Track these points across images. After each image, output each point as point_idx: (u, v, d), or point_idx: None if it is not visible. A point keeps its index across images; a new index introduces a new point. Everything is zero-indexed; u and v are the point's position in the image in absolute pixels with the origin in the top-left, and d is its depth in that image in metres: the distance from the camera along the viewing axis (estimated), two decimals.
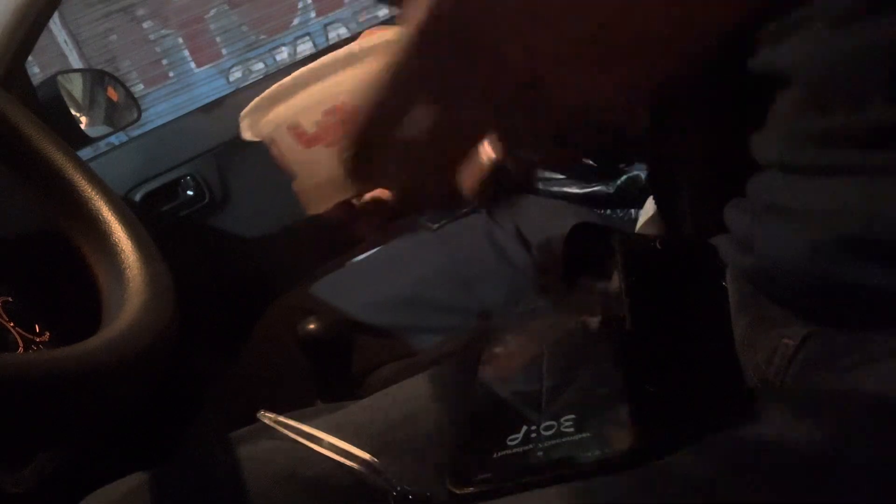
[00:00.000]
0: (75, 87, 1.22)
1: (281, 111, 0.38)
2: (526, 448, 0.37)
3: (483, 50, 0.26)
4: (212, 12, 4.26)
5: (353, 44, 0.35)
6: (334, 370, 0.98)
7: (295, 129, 0.38)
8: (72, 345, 0.37)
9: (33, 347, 0.54)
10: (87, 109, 1.23)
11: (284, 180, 0.43)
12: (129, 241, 0.50)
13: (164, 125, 1.48)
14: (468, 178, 0.33)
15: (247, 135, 0.41)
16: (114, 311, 0.45)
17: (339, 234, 0.38)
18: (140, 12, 4.24)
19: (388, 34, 0.34)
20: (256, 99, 0.39)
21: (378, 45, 0.34)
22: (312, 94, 0.37)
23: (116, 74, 1.73)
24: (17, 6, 0.96)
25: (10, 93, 0.82)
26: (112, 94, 1.28)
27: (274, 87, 0.38)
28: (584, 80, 0.27)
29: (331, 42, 4.17)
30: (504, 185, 0.40)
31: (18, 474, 0.60)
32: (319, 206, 0.41)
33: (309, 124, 0.37)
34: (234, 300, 1.32)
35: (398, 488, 0.43)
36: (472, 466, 0.38)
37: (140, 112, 1.31)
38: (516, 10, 0.25)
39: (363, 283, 1.06)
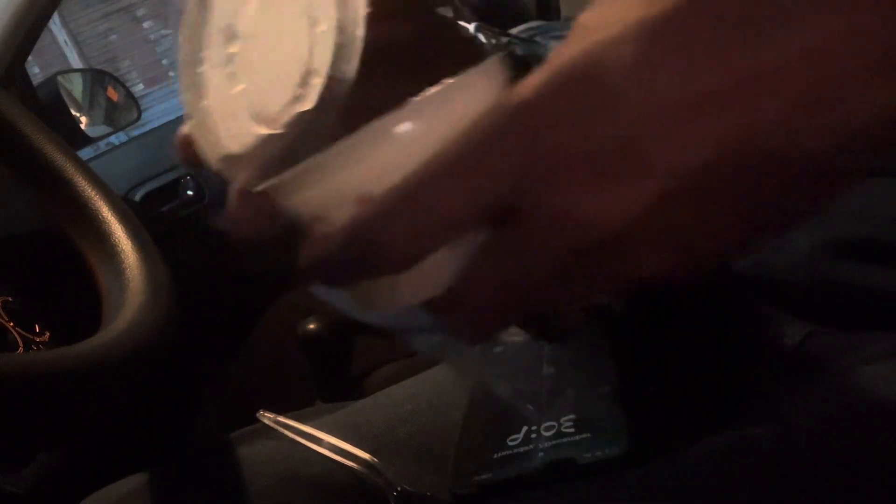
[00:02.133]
0: (75, 87, 1.22)
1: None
2: (526, 448, 0.37)
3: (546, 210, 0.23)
4: None
5: (394, 116, 0.25)
6: (334, 370, 0.98)
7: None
8: (72, 345, 0.37)
9: (33, 347, 0.54)
10: (87, 109, 1.23)
11: None
12: (129, 241, 0.51)
13: (164, 125, 1.48)
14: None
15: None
16: (114, 311, 0.45)
17: None
18: (140, 12, 4.25)
19: (450, 103, 0.24)
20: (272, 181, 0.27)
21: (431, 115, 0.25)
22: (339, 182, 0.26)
23: (116, 74, 1.73)
24: (17, 6, 0.96)
25: (10, 93, 0.82)
26: (112, 94, 1.28)
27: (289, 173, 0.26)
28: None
29: None
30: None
31: (18, 474, 0.60)
32: (392, 302, 0.29)
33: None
34: (234, 300, 1.32)
35: (398, 488, 0.43)
36: (472, 466, 0.38)
37: (140, 112, 1.31)
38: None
39: None
